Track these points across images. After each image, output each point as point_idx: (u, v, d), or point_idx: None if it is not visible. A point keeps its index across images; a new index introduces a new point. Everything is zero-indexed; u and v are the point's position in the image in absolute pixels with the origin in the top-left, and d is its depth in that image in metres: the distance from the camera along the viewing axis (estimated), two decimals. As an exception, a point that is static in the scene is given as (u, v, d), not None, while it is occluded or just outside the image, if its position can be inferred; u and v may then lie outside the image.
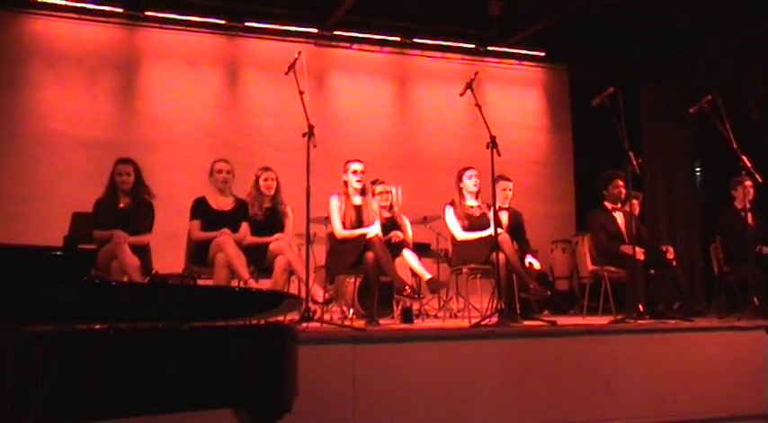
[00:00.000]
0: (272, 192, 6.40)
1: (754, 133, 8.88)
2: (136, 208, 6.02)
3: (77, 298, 2.57)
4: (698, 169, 11.04)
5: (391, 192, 7.22)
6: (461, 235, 6.54)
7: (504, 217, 6.84)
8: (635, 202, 6.81)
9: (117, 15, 9.12)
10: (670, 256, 6.82)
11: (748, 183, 7.02)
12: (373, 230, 6.17)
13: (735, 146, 6.56)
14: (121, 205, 6.00)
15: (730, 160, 6.72)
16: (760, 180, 6.68)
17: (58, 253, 2.48)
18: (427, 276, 6.41)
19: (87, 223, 6.15)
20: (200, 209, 6.17)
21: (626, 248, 6.56)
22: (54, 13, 8.85)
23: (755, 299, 6.40)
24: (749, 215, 7.02)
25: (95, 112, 8.89)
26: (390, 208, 7.15)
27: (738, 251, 6.91)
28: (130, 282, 5.29)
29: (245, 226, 6.18)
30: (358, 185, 6.36)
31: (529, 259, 6.65)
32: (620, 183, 6.98)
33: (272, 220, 6.36)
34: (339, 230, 6.26)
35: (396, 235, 6.60)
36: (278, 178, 6.45)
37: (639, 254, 6.40)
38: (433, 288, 6.65)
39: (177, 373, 2.55)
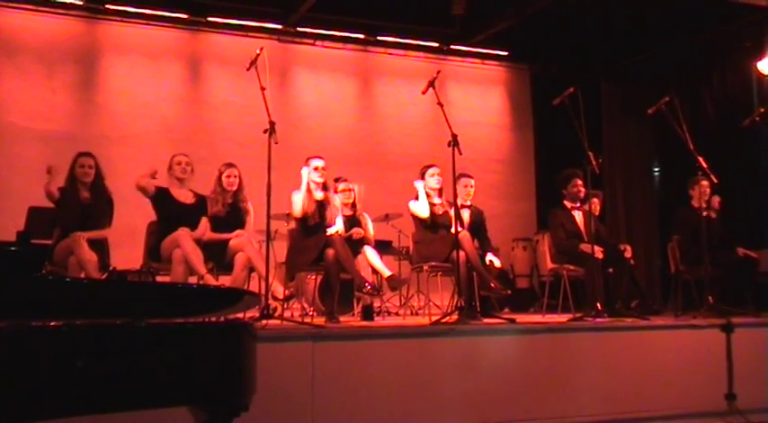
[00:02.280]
0: (235, 188, 6.36)
1: (711, 134, 9.03)
2: (96, 202, 5.96)
3: (30, 294, 2.54)
4: (656, 169, 11.18)
5: (354, 190, 7.21)
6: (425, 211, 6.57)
7: (465, 214, 6.88)
8: (595, 200, 6.88)
9: (77, 8, 8.97)
10: (628, 255, 6.90)
11: (705, 183, 7.11)
12: (335, 227, 6.19)
13: (691, 147, 6.65)
14: (81, 200, 5.92)
15: (688, 161, 6.81)
16: (716, 181, 6.77)
17: (10, 249, 2.45)
18: (387, 273, 6.43)
19: (44, 218, 6.07)
20: (163, 199, 6.10)
21: (585, 247, 6.62)
22: (13, 4, 8.69)
23: (710, 298, 6.50)
24: (705, 215, 7.13)
25: (54, 106, 8.74)
26: (353, 205, 7.15)
27: (695, 250, 7.00)
28: (87, 278, 5.23)
29: (204, 222, 6.13)
30: (319, 181, 6.36)
31: (489, 257, 6.69)
32: (579, 182, 7.04)
33: (233, 217, 6.32)
34: (297, 209, 6.27)
35: (357, 232, 6.61)
36: (240, 175, 6.41)
37: (598, 252, 6.47)
38: (394, 285, 6.66)
39: (133, 370, 2.53)
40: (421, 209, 6.62)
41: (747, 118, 7.57)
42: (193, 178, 6.31)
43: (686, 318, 6.35)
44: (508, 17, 9.66)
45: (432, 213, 6.61)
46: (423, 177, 6.74)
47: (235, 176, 6.37)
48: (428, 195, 6.68)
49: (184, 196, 6.18)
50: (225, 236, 6.10)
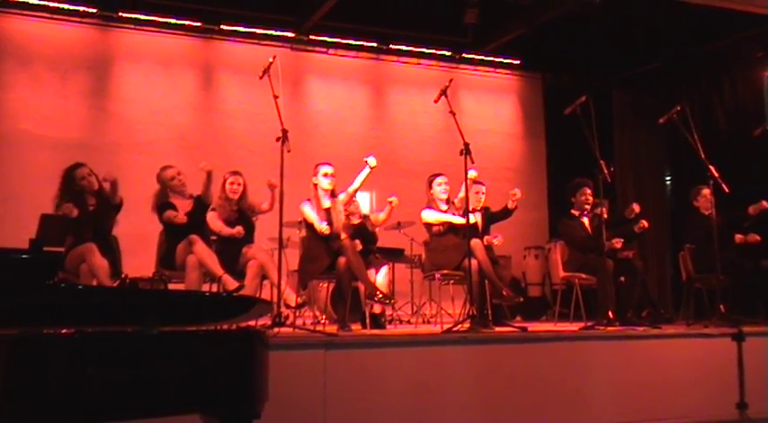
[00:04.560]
0: (238, 196, 6.36)
1: (722, 143, 9.00)
2: (101, 207, 5.98)
3: (43, 301, 2.55)
4: (668, 177, 11.15)
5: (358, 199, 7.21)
6: (430, 216, 6.63)
7: (477, 217, 6.93)
8: (603, 209, 6.85)
9: (90, 15, 9.03)
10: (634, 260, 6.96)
11: (706, 191, 7.08)
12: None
13: (703, 156, 6.63)
14: (89, 207, 5.95)
15: (699, 169, 6.79)
16: (726, 190, 6.72)
17: (23, 256, 2.46)
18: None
19: (56, 225, 6.09)
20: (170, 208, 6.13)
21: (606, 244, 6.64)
22: (27, 12, 8.75)
23: (722, 306, 6.47)
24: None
25: (67, 113, 8.79)
26: (362, 214, 7.17)
27: (707, 258, 6.94)
28: (99, 286, 5.25)
29: (211, 216, 6.22)
30: (328, 188, 6.36)
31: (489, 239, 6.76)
32: (588, 191, 7.05)
33: (241, 224, 6.32)
34: (321, 226, 6.14)
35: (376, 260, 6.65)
36: (245, 183, 6.41)
37: (617, 243, 6.70)
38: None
39: (144, 378, 2.54)
40: (431, 216, 6.64)
41: (759, 127, 7.54)
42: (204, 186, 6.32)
43: (698, 326, 6.31)
44: (520, 26, 9.67)
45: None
46: (430, 186, 6.75)
47: (239, 184, 6.37)
48: (435, 202, 6.69)
49: (186, 206, 6.20)
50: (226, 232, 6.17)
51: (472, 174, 6.35)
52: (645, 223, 7.04)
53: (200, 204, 6.22)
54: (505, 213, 6.99)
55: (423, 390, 4.80)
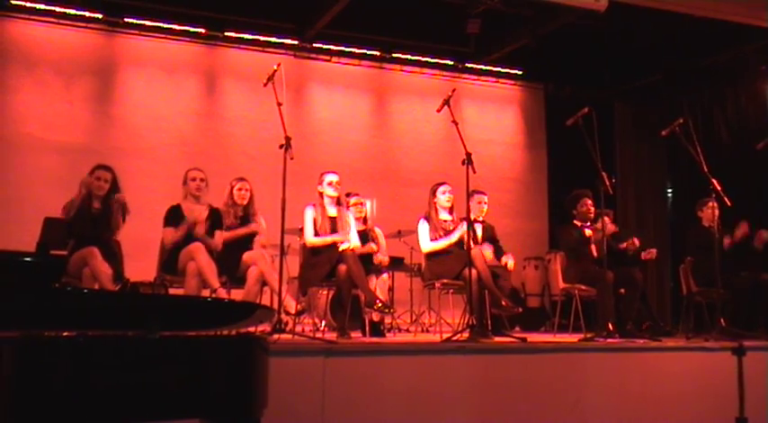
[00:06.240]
0: (246, 202, 6.40)
1: (724, 157, 9.01)
2: (105, 212, 5.99)
3: (47, 304, 2.56)
4: (669, 190, 11.16)
5: (365, 205, 7.23)
6: (428, 245, 6.56)
7: (477, 229, 6.91)
8: (606, 219, 6.85)
9: (96, 21, 9.05)
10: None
11: (712, 204, 7.09)
12: (351, 240, 6.19)
13: (705, 169, 6.64)
14: (93, 210, 5.96)
15: (701, 182, 6.80)
16: (729, 204, 6.73)
17: (28, 259, 2.47)
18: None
19: (59, 228, 6.11)
20: (175, 216, 6.14)
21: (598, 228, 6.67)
22: (32, 17, 8.78)
23: (722, 320, 6.46)
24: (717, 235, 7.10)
25: (71, 117, 8.82)
26: (364, 220, 7.16)
27: (707, 271, 6.95)
28: (101, 289, 5.25)
29: (218, 234, 6.15)
30: (333, 195, 6.39)
31: (504, 259, 6.69)
32: (589, 202, 7.05)
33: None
34: (310, 238, 6.25)
35: (370, 248, 6.63)
36: (252, 189, 6.44)
37: (610, 224, 6.85)
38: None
39: (145, 382, 2.55)
40: (422, 239, 6.62)
41: (762, 141, 7.55)
42: (208, 192, 6.34)
43: (698, 340, 6.30)
44: (523, 36, 9.70)
45: (443, 229, 6.61)
46: (434, 195, 6.74)
47: (246, 190, 6.41)
48: (437, 211, 6.68)
49: (197, 211, 6.20)
50: (241, 231, 6.22)
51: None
52: (653, 252, 7.21)
53: (216, 216, 6.23)
54: (498, 257, 6.97)
55: (421, 398, 4.80)
